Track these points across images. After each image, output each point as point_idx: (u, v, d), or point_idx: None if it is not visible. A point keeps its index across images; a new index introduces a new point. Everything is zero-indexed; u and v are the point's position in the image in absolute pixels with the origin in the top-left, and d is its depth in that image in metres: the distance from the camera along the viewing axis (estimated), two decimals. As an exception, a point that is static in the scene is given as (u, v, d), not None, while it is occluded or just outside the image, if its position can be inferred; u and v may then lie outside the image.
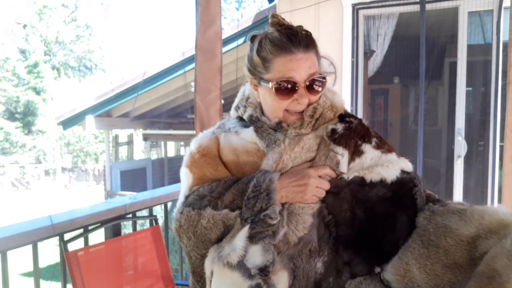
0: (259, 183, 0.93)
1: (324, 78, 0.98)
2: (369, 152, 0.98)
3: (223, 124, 1.11)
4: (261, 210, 0.91)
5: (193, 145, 1.07)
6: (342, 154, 0.96)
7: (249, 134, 1.02)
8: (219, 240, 0.95)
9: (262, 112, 1.05)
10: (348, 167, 0.97)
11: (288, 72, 0.94)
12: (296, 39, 0.94)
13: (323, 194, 0.95)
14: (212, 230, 0.94)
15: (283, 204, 0.94)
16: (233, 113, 1.13)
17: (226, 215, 0.93)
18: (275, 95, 0.96)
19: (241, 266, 0.88)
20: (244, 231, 0.90)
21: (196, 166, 1.03)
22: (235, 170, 1.02)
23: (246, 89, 1.11)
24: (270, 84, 0.96)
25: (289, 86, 0.94)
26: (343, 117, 1.03)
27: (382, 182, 0.95)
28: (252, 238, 0.90)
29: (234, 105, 1.13)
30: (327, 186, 0.95)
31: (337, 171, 0.95)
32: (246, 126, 1.05)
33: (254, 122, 1.03)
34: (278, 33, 0.95)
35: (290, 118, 0.99)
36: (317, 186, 0.94)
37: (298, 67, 0.94)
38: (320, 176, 0.95)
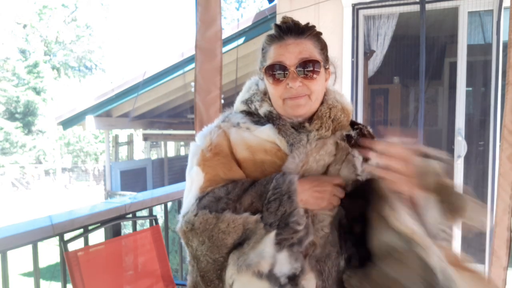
0: (279, 184, 0.90)
1: (318, 62, 0.97)
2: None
3: (228, 118, 1.06)
4: (285, 214, 0.89)
5: (200, 141, 1.02)
6: (358, 157, 0.99)
7: (265, 132, 0.99)
8: (235, 245, 0.90)
9: None
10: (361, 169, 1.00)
11: (278, 57, 0.97)
12: (287, 27, 0.98)
13: (338, 202, 0.96)
14: (230, 234, 0.89)
15: (306, 210, 0.92)
16: (240, 106, 1.08)
17: (246, 218, 0.89)
18: (268, 81, 0.99)
19: (271, 275, 0.85)
20: (271, 238, 0.87)
21: (209, 166, 0.97)
22: (252, 168, 0.98)
23: (259, 83, 1.08)
24: (263, 70, 0.99)
25: (279, 69, 0.96)
26: (353, 123, 1.07)
27: None
28: (278, 245, 0.87)
29: (242, 98, 1.08)
30: (342, 194, 0.96)
31: (355, 173, 0.98)
32: (257, 123, 1.02)
33: (275, 119, 1.01)
34: (275, 26, 0.99)
35: (291, 106, 0.98)
36: (334, 194, 0.94)
37: (287, 51, 0.96)
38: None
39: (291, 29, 0.98)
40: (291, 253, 0.88)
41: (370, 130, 1.08)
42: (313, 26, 1.01)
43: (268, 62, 0.98)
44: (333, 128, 1.01)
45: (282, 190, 0.90)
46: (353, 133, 1.03)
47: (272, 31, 1.00)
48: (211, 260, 0.92)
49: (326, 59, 1.03)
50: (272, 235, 0.87)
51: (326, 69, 1.03)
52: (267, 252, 0.86)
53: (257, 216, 0.90)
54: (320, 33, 1.02)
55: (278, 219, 0.88)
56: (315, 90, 0.98)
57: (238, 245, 0.90)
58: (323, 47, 1.02)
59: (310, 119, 1.02)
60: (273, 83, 0.98)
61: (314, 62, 0.97)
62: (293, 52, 0.96)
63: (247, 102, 1.06)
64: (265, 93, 1.05)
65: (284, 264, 0.87)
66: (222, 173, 0.97)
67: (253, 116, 1.05)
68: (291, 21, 0.99)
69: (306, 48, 0.97)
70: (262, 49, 1.02)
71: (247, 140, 0.99)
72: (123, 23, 45.17)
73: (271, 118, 1.01)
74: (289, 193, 0.90)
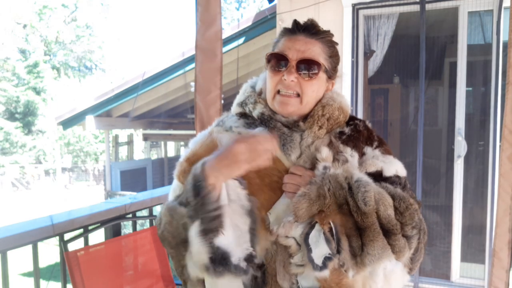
0: (189, 177, 0.90)
1: (320, 66, 0.97)
2: (370, 152, 1.01)
3: (223, 122, 1.07)
4: (197, 204, 0.86)
5: (191, 145, 1.05)
6: (351, 155, 0.98)
7: None
8: (182, 241, 0.90)
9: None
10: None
11: (284, 49, 0.98)
12: (302, 25, 1.00)
13: (271, 144, 0.87)
14: (166, 226, 0.92)
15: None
16: (235, 109, 1.09)
17: (174, 208, 0.91)
18: (268, 69, 1.00)
19: (227, 264, 0.84)
20: (195, 230, 0.85)
21: (184, 177, 0.99)
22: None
23: (257, 84, 1.09)
24: (266, 56, 1.01)
25: (280, 60, 0.98)
26: (349, 120, 1.06)
27: (378, 172, 0.97)
28: (204, 236, 0.84)
29: (238, 100, 1.09)
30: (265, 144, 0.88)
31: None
32: (251, 125, 1.03)
33: (266, 121, 1.01)
34: (294, 21, 1.02)
35: (280, 102, 0.98)
36: (251, 148, 0.86)
37: (294, 46, 0.98)
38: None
39: (306, 27, 1.00)
40: (237, 235, 0.86)
41: (369, 125, 1.07)
42: (330, 33, 1.02)
43: (275, 51, 1.00)
44: (330, 127, 1.01)
45: (192, 180, 0.88)
46: (346, 129, 1.02)
47: (289, 25, 1.03)
48: (174, 254, 0.96)
49: (334, 69, 1.03)
50: (195, 227, 0.85)
51: (329, 78, 1.02)
52: (196, 243, 0.84)
53: (185, 210, 0.89)
54: (335, 43, 1.03)
55: (193, 210, 0.86)
56: (307, 92, 0.98)
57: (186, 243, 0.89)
58: (333, 55, 1.02)
59: (306, 118, 1.02)
60: (271, 72, 1.00)
61: (316, 64, 0.97)
62: (299, 48, 0.97)
63: (242, 104, 1.07)
64: (259, 93, 1.06)
65: (235, 249, 0.85)
66: None
67: (247, 118, 1.06)
68: (310, 21, 1.01)
69: (313, 49, 0.97)
70: (275, 41, 1.05)
71: None
72: (123, 23, 45.20)
73: (263, 120, 1.01)
74: (197, 181, 0.86)
